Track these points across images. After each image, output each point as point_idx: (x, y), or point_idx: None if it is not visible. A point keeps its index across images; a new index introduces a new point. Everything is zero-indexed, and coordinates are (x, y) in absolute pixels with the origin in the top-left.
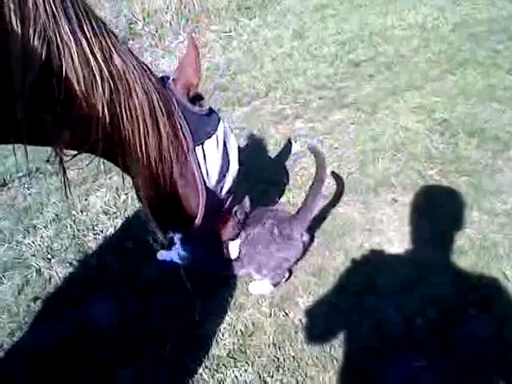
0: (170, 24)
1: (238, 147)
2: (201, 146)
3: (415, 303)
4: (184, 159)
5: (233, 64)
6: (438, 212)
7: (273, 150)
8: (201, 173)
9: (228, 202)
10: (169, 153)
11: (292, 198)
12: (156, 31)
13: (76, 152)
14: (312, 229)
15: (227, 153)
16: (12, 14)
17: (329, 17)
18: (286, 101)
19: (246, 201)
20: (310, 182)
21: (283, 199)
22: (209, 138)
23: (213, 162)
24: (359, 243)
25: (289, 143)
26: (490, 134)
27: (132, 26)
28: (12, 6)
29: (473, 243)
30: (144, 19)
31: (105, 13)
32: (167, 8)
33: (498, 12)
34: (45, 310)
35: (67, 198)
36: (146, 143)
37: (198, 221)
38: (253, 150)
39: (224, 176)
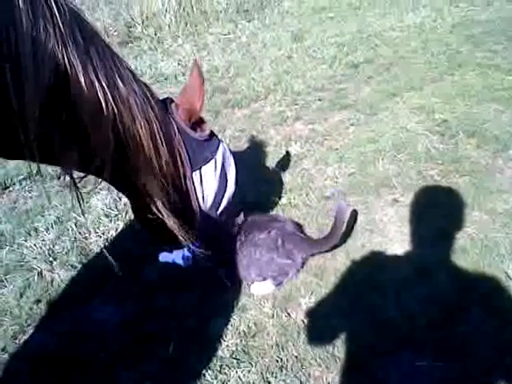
0: (169, 27)
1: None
2: (198, 170)
3: (417, 302)
4: (181, 185)
5: (232, 66)
6: (438, 212)
7: (273, 152)
8: (196, 197)
9: (222, 220)
10: (167, 179)
11: (293, 200)
12: (155, 34)
13: (84, 174)
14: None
15: (225, 175)
16: (24, 36)
17: (328, 19)
18: (286, 103)
19: (241, 217)
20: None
21: (284, 200)
22: (207, 163)
23: (209, 186)
24: (360, 244)
25: (289, 145)
26: (489, 134)
27: (131, 29)
28: (24, 28)
29: (474, 243)
30: (143, 22)
31: (103, 16)
32: (166, 11)
33: (496, 13)
34: (47, 313)
35: (83, 214)
36: (150, 169)
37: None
38: (253, 151)
39: (220, 199)
